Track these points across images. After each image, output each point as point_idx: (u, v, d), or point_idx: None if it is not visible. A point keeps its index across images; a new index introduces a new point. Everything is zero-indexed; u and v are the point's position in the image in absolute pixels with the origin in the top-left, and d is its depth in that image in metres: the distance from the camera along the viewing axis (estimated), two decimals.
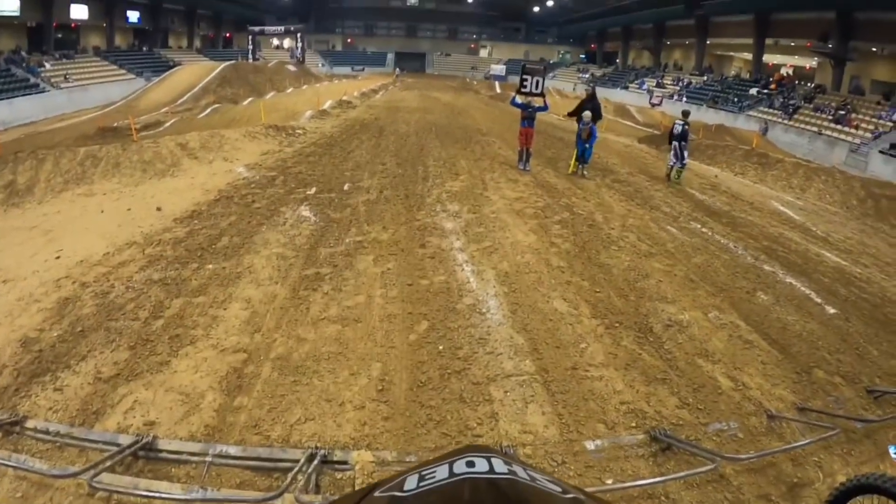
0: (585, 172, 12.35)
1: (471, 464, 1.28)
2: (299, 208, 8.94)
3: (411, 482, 1.26)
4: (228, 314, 5.52)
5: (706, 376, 4.85)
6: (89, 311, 5.58)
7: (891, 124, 29.42)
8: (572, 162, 12.62)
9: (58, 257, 6.99)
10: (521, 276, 6.60)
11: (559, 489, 1.24)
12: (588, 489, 3.50)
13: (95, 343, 4.98)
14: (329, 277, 6.38)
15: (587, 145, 12.25)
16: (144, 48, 52.76)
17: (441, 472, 1.26)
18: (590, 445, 3.97)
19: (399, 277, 6.42)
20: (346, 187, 10.30)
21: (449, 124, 20.35)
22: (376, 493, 1.31)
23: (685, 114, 13.45)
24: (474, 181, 11.06)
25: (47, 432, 3.93)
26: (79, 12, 45.00)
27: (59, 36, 43.84)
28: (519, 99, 12.68)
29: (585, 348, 5.13)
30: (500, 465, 1.27)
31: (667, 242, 8.29)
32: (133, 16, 52.37)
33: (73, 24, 45.76)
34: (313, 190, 10.03)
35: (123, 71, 43.58)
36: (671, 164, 12.85)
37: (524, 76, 12.72)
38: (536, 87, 12.73)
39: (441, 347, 5.00)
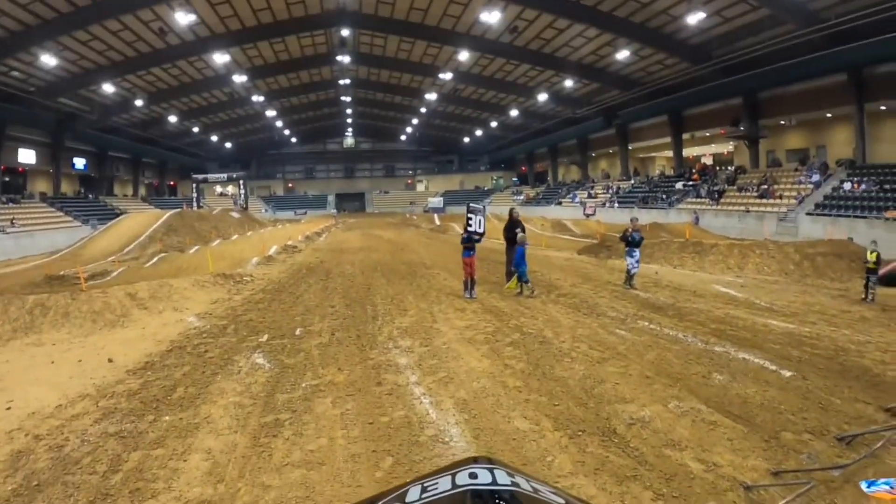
0: (534, 293, 12.90)
1: (473, 475, 1.29)
2: (253, 356, 9.05)
3: (413, 494, 1.28)
4: (189, 465, 5.52)
5: (676, 465, 5.02)
6: (44, 464, 5.50)
7: (811, 186, 31.61)
8: (512, 281, 13.17)
9: (9, 408, 6.88)
10: (479, 401, 6.80)
11: (563, 501, 1.26)
12: None
13: (53, 498, 4.89)
14: (289, 423, 6.46)
15: (517, 267, 12.94)
16: (90, 195, 53.27)
17: (444, 484, 1.28)
18: None
19: (359, 417, 6.55)
20: (297, 332, 10.48)
21: (393, 261, 20.95)
22: None
23: (634, 220, 14.35)
24: (423, 315, 11.42)
25: None
26: (26, 157, 45.63)
27: (7, 180, 44.00)
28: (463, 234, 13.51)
29: (552, 461, 5.26)
30: (502, 477, 1.28)
31: (618, 345, 8.66)
32: (79, 162, 53.24)
33: (20, 169, 46.12)
34: (265, 337, 10.17)
35: (69, 218, 43.68)
36: (632, 269, 13.49)
37: (469, 214, 13.68)
38: (479, 225, 13.69)
39: (408, 481, 5.06)
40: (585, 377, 7.36)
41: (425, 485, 1.32)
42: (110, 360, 8.80)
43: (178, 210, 46.56)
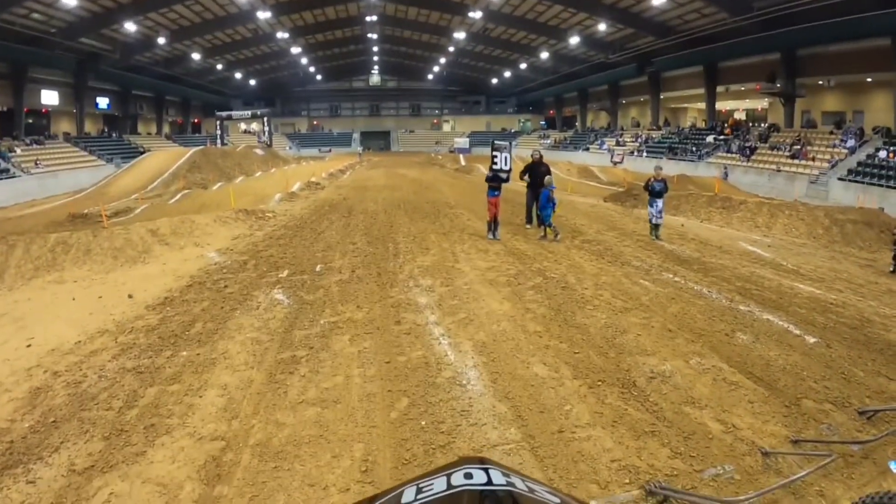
0: (557, 237, 12.63)
1: (468, 475, 1.27)
2: (272, 292, 8.97)
3: (409, 495, 1.26)
4: (204, 401, 5.47)
5: (695, 423, 4.89)
6: (61, 400, 5.49)
7: (846, 151, 30.56)
8: (548, 230, 12.88)
9: (29, 346, 6.90)
10: (498, 344, 6.66)
11: (558, 500, 1.25)
12: None
13: (69, 434, 4.87)
14: (305, 360, 6.37)
15: (542, 210, 12.64)
16: (114, 134, 53.21)
17: (439, 485, 1.26)
18: None
19: (376, 355, 6.45)
20: (317, 268, 10.38)
21: (417, 200, 20.71)
22: None
23: (658, 169, 13.87)
24: (445, 254, 11.24)
25: None
26: (49, 98, 45.55)
27: (30, 121, 44.22)
28: (490, 174, 13.09)
29: (570, 410, 5.14)
30: (498, 477, 1.26)
31: (641, 296, 8.44)
32: (102, 102, 53.06)
33: (43, 110, 46.27)
34: (285, 273, 10.09)
35: (93, 157, 43.83)
36: (653, 220, 13.19)
37: (494, 151, 13.26)
38: (506, 162, 13.30)
39: (423, 423, 4.98)
40: (607, 326, 7.18)
41: (420, 486, 1.29)
42: (130, 296, 8.78)
43: (202, 147, 46.55)
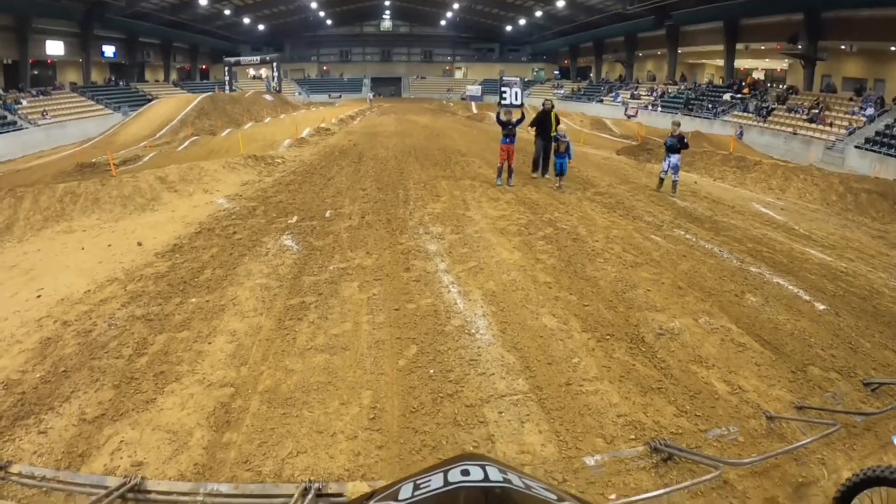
0: (561, 184, 12.44)
1: (465, 472, 1.27)
2: (281, 237, 8.90)
3: (406, 491, 1.25)
4: (213, 348, 5.45)
5: (702, 382, 4.85)
6: (72, 350, 5.49)
7: (864, 119, 29.80)
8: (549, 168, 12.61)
9: (39, 296, 6.88)
10: (508, 294, 6.59)
11: (554, 497, 1.23)
12: None
13: (79, 383, 4.88)
14: (314, 306, 6.33)
15: (563, 160, 12.37)
16: (121, 83, 52.62)
17: (436, 481, 1.26)
18: (589, 461, 3.93)
19: (385, 302, 6.39)
20: (327, 214, 10.29)
21: (428, 146, 20.41)
22: (371, 503, 1.31)
23: (675, 124, 13.57)
24: (456, 202, 11.10)
25: (33, 477, 3.82)
26: (54, 49, 44.87)
27: (36, 73, 43.68)
28: (503, 116, 12.74)
29: (578, 363, 5.10)
30: (494, 474, 1.26)
31: (652, 251, 8.32)
32: (109, 50, 52.23)
33: (49, 61, 45.63)
34: (294, 219, 10.01)
35: (100, 106, 43.33)
36: (662, 173, 12.99)
37: (503, 87, 13.02)
38: (516, 97, 13.01)
39: (432, 371, 4.95)
40: (617, 280, 7.08)
41: (418, 482, 1.29)
42: (139, 244, 8.74)
43: (210, 94, 45.86)
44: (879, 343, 5.69)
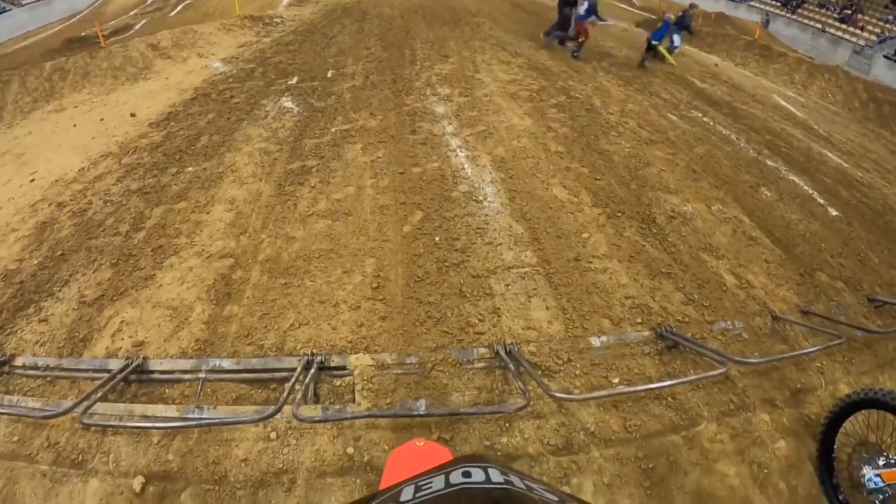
0: (578, 54, 11.60)
1: (467, 474, 1.27)
2: (281, 100, 8.40)
3: (407, 493, 1.24)
4: (212, 218, 5.23)
5: (711, 272, 4.67)
6: (68, 232, 5.31)
7: None
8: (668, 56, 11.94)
9: (32, 180, 6.62)
10: (517, 161, 6.23)
11: (556, 499, 1.20)
12: (597, 392, 3.33)
13: (77, 265, 4.74)
14: (316, 170, 6.01)
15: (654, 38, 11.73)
16: None
17: (437, 483, 1.25)
18: (595, 342, 3.80)
19: (390, 166, 6.05)
20: (329, 74, 9.66)
21: (435, 6, 19.05)
22: None
23: (693, 7, 12.82)
24: (465, 63, 10.36)
25: (37, 367, 3.78)
26: None
27: None
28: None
29: (588, 238, 4.88)
30: (496, 475, 1.25)
31: (668, 130, 7.83)
32: None
33: None
34: (295, 80, 9.42)
35: None
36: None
37: None
38: None
39: (437, 239, 4.72)
40: (631, 156, 6.65)
41: (419, 484, 1.26)
42: (133, 115, 8.33)
43: None
44: (887, 261, 5.48)
